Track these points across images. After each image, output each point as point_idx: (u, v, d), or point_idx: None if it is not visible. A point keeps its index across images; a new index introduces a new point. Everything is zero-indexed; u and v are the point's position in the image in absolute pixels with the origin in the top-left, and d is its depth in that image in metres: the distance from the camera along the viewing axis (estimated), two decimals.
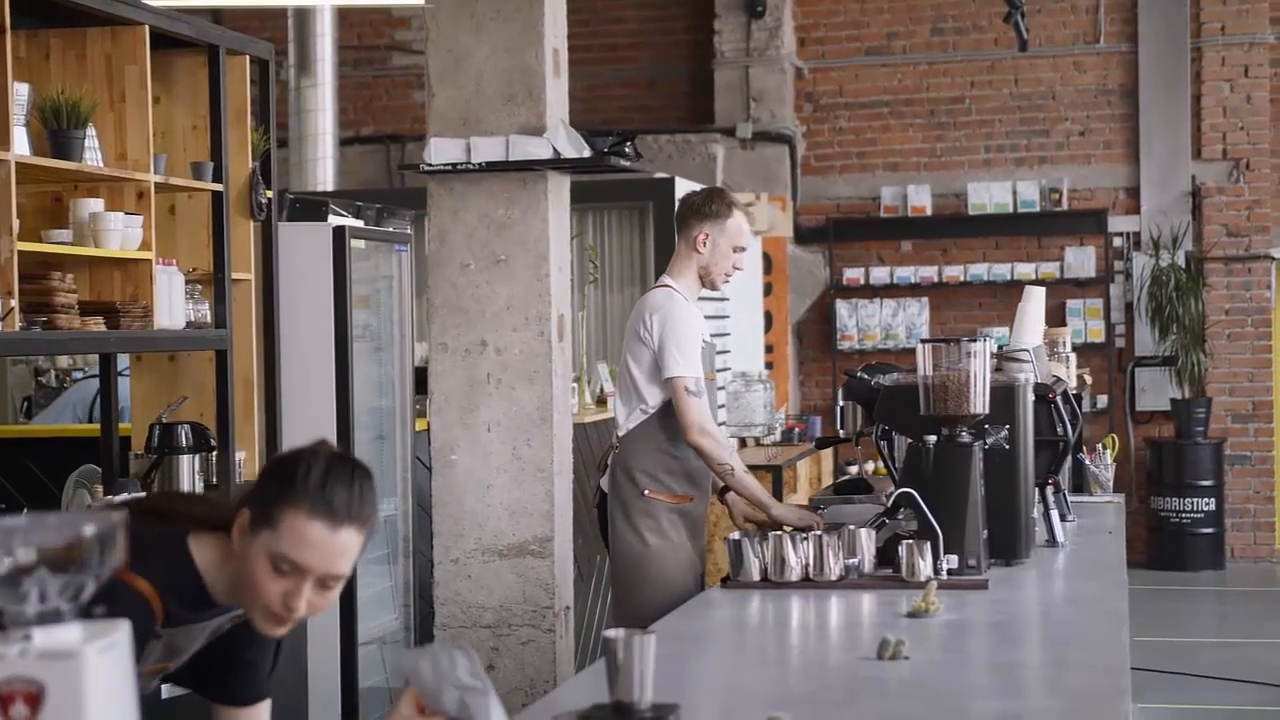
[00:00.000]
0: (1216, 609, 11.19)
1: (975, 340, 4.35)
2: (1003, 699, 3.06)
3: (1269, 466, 12.29)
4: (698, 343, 5.09)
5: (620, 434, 5.18)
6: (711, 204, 5.20)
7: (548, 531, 5.40)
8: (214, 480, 5.54)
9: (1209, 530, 11.92)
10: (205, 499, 2.92)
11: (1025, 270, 12.23)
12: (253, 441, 5.80)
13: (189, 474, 5.36)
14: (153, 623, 2.60)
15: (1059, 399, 4.95)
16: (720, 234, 5.16)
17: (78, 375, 8.47)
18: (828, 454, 10.61)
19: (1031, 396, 4.61)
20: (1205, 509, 11.88)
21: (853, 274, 12.57)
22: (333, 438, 6.11)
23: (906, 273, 12.50)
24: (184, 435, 5.38)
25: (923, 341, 4.36)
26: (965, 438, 4.31)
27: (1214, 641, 9.83)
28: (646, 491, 5.08)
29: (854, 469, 10.17)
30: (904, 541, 4.14)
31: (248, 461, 5.76)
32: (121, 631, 1.81)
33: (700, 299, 5.23)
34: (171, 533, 2.68)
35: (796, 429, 10.54)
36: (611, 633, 2.66)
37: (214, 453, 5.53)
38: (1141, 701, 7.74)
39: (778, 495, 8.75)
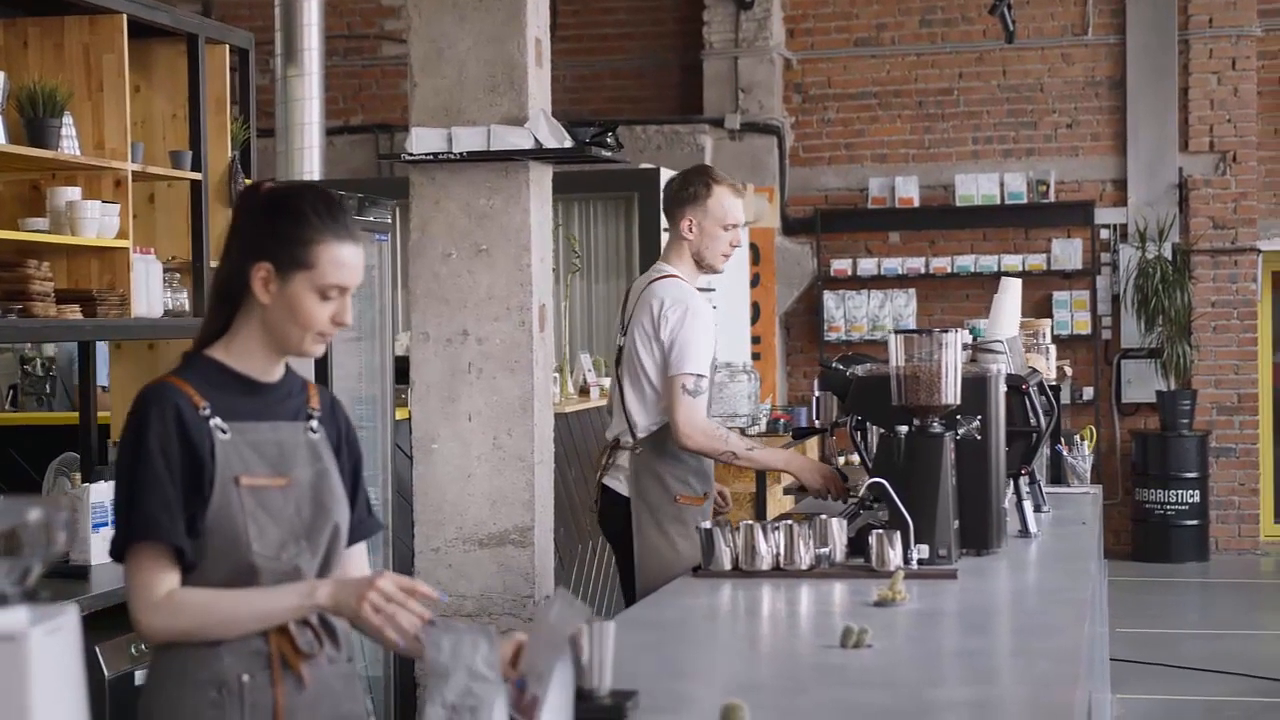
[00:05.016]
0: (1200, 601, 11.22)
1: (947, 331, 4.36)
2: (958, 686, 3.09)
3: (1253, 459, 12.32)
4: (711, 340, 4.98)
5: (640, 435, 5.04)
6: (689, 187, 5.06)
7: (528, 521, 5.40)
8: None
9: (1193, 522, 11.95)
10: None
11: (1012, 262, 12.24)
12: None
13: None
14: (189, 404, 2.73)
15: (1033, 390, 4.96)
16: (704, 216, 5.03)
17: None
18: (815, 444, 10.63)
19: (1004, 387, 4.62)
20: (1190, 501, 11.91)
21: (840, 265, 12.58)
22: None
23: (894, 264, 12.51)
24: None
25: (895, 332, 4.37)
26: (937, 428, 4.31)
27: (1197, 633, 9.86)
28: (679, 498, 5.01)
29: (843, 460, 10.15)
30: (874, 531, 4.16)
31: None
32: (68, 615, 1.83)
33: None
34: (189, 355, 2.85)
35: (782, 420, 10.55)
36: None
37: None
38: (1123, 692, 7.76)
39: (761, 486, 8.76)
